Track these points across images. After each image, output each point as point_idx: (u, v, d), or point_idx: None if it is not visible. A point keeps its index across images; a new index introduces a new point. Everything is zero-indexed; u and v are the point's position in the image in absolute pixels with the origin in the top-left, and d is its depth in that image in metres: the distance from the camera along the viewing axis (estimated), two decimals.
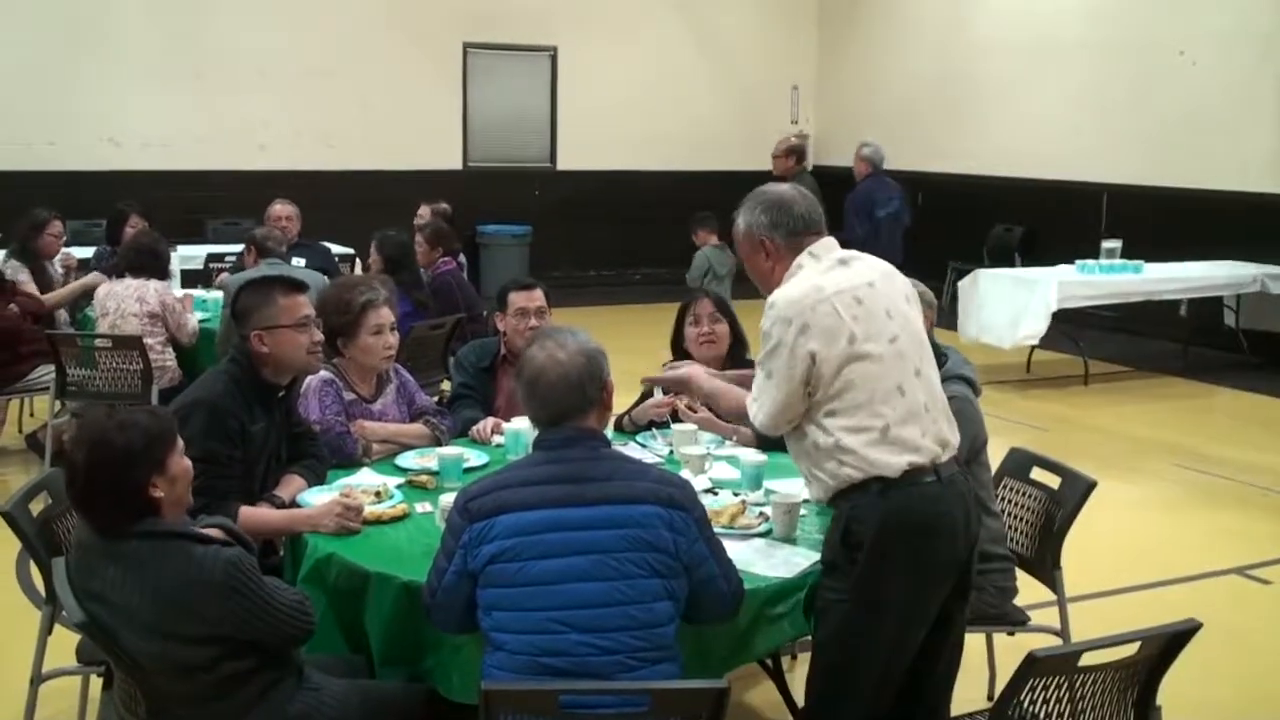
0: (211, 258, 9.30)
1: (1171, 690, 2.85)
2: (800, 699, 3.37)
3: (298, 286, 3.92)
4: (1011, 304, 9.54)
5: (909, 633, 3.10)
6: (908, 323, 3.15)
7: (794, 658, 4.37)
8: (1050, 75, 12.45)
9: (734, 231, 3.32)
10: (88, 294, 7.30)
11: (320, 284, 6.81)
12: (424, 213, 8.87)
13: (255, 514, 3.56)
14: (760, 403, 3.15)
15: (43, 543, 3.50)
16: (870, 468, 3.03)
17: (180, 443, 2.94)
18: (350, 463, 4.08)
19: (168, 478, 2.86)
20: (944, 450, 3.12)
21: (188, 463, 2.95)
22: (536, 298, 4.84)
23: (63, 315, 7.64)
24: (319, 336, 3.93)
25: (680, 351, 4.70)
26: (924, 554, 3.05)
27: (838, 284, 3.09)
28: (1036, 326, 9.35)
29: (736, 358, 4.64)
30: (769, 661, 4.01)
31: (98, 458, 2.80)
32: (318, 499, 3.65)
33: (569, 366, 2.91)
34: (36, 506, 3.63)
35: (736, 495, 3.75)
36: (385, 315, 4.34)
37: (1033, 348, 9.96)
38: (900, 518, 3.02)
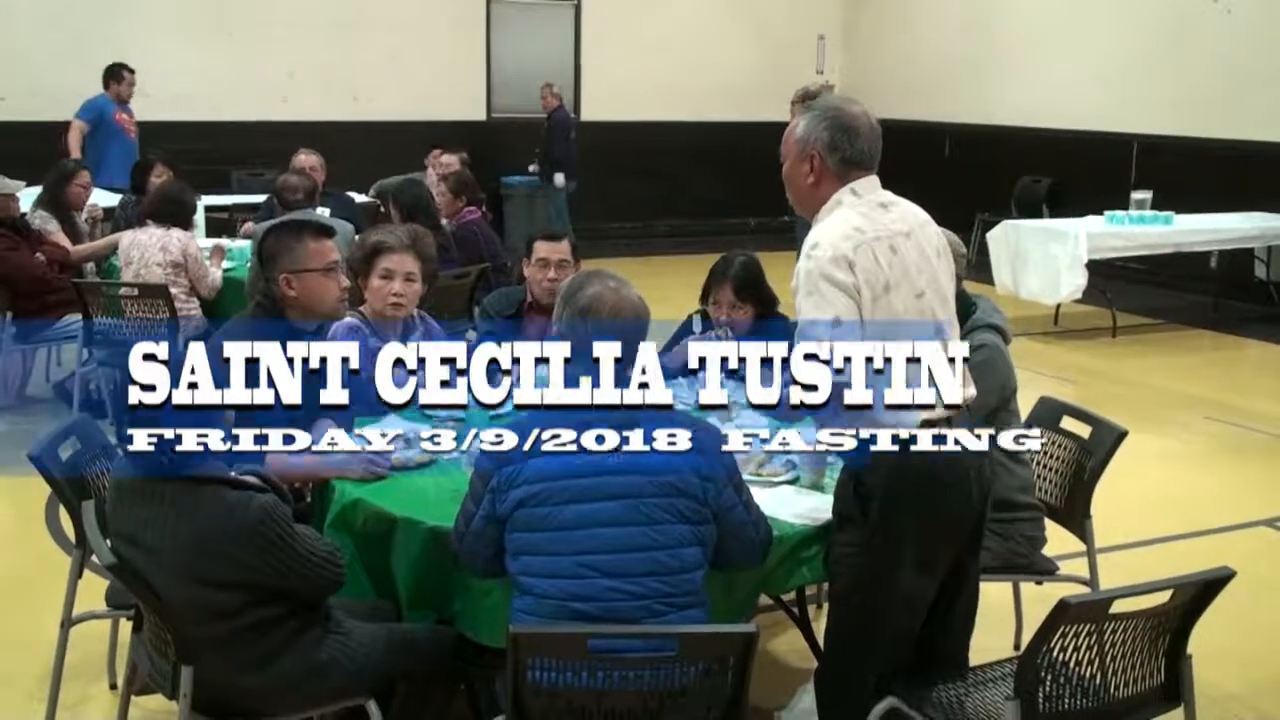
0: (237, 208, 9.32)
1: (1199, 640, 2.83)
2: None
3: (326, 231, 3.91)
4: (1046, 257, 9.48)
5: (922, 582, 3.08)
6: (935, 279, 3.09)
7: (820, 606, 4.36)
8: (1081, 24, 12.28)
9: (788, 131, 3.16)
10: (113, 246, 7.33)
11: (347, 232, 6.82)
12: (448, 161, 8.82)
13: (281, 459, 3.56)
14: None
15: (72, 488, 3.52)
16: (880, 425, 2.95)
17: None
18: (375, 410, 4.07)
19: (225, 420, 2.87)
20: (961, 405, 3.07)
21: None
22: (561, 249, 4.78)
23: (88, 264, 7.66)
24: (346, 283, 3.92)
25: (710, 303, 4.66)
26: (936, 502, 3.02)
27: (876, 229, 3.01)
28: (1078, 281, 9.28)
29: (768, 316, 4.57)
30: (795, 609, 4.02)
31: None
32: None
33: (641, 308, 2.90)
34: (65, 453, 3.64)
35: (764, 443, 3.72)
36: (398, 261, 4.26)
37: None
38: (911, 467, 2.97)
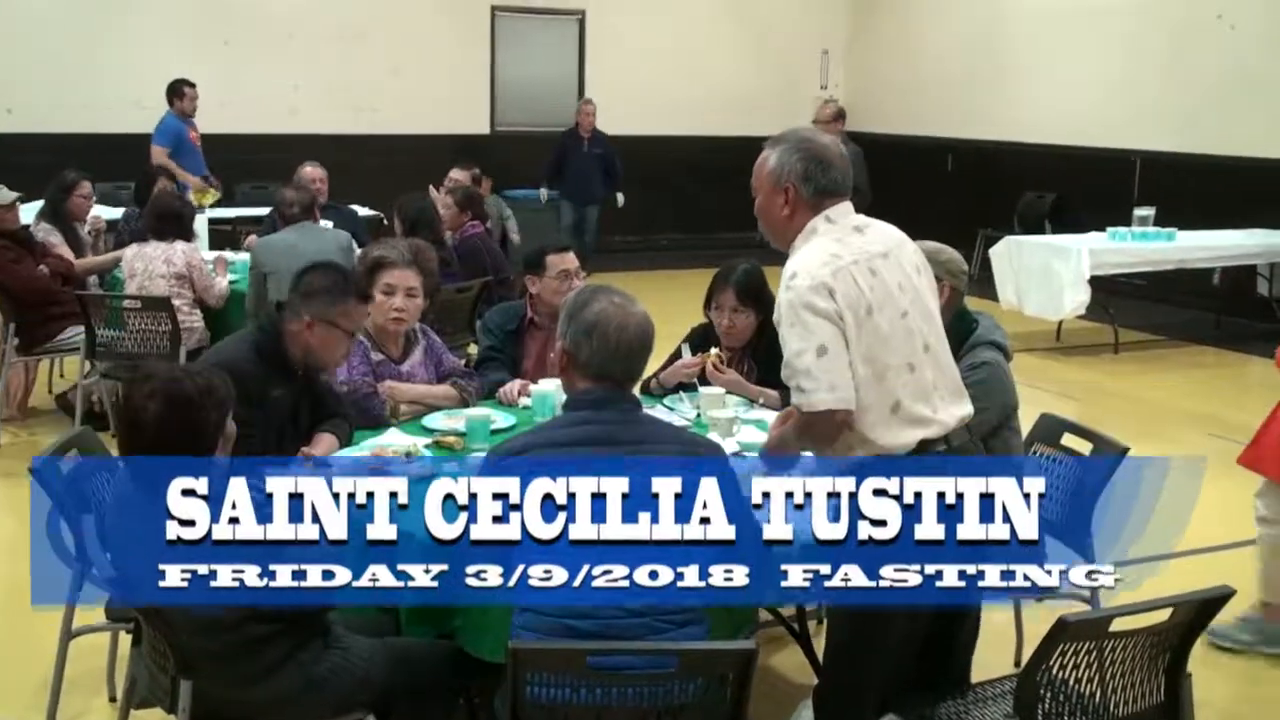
0: (240, 220, 9.34)
1: (1199, 658, 2.82)
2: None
3: (366, 299, 4.03)
4: (1049, 273, 9.49)
5: None
6: (918, 296, 3.09)
7: (820, 622, 4.36)
8: (1084, 40, 12.30)
9: (759, 164, 3.15)
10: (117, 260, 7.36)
11: (345, 243, 6.84)
12: (458, 176, 8.84)
13: None
14: (825, 380, 2.88)
15: (73, 500, 3.51)
16: (876, 448, 2.96)
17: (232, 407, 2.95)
18: (377, 423, 4.09)
19: (226, 438, 2.88)
20: (958, 423, 3.06)
21: (234, 426, 2.96)
22: (573, 259, 4.86)
23: (91, 277, 7.68)
24: (352, 347, 3.98)
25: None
26: None
27: (854, 253, 3.00)
28: (1081, 296, 9.29)
29: (767, 331, 4.57)
30: (795, 625, 4.02)
31: (174, 411, 2.79)
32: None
33: (646, 325, 2.88)
34: (66, 465, 3.63)
35: None
36: (399, 277, 4.33)
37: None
38: None
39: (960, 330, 3.82)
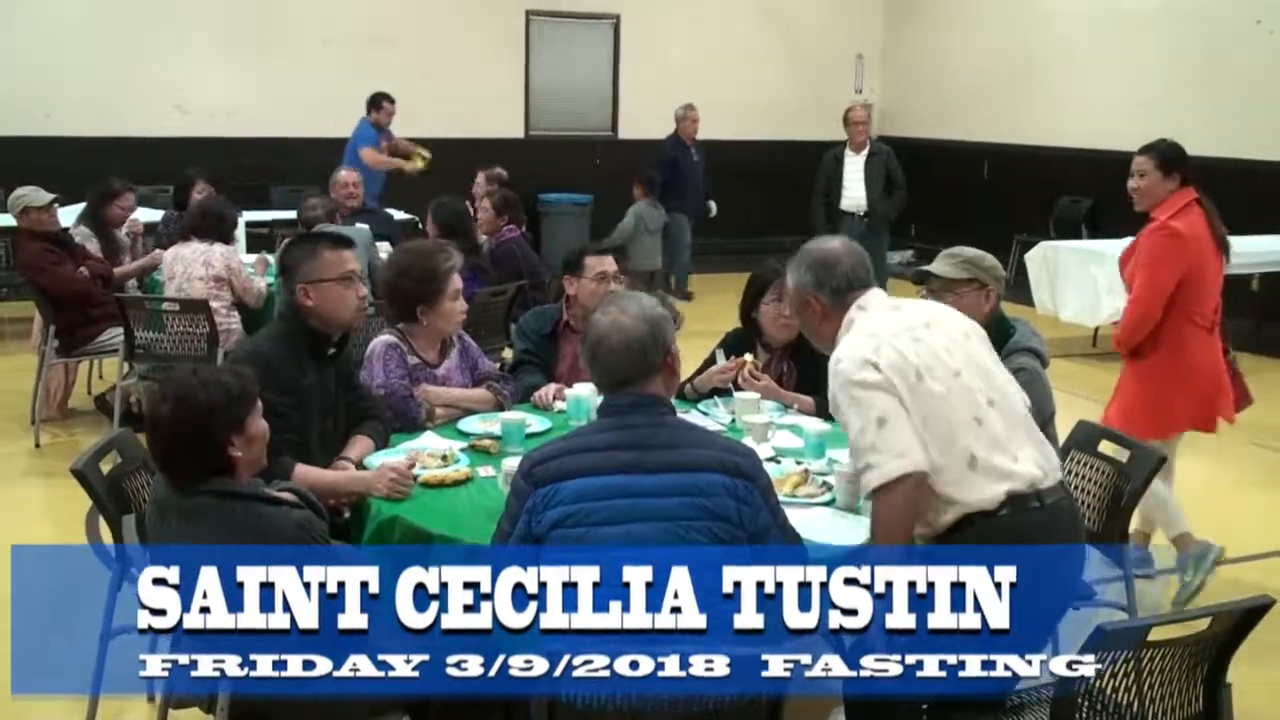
0: (277, 224, 9.42)
1: (1241, 669, 2.80)
2: None
3: (343, 242, 4.00)
4: (1085, 279, 9.43)
5: None
6: (970, 357, 3.11)
7: None
8: (1121, 44, 12.22)
9: (785, 289, 3.44)
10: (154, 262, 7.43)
11: (366, 240, 6.88)
12: (482, 180, 8.88)
13: (309, 472, 3.58)
14: (892, 449, 2.91)
15: (112, 501, 3.56)
16: (965, 507, 2.96)
17: (260, 405, 2.97)
18: (413, 427, 4.11)
19: (246, 438, 2.90)
20: (1045, 476, 3.05)
21: (265, 425, 2.98)
22: (611, 263, 4.87)
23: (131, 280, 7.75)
24: (364, 292, 3.98)
25: (749, 321, 4.67)
26: None
27: (893, 328, 3.07)
28: (1118, 302, 9.20)
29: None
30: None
31: (181, 413, 2.84)
32: (383, 462, 3.68)
33: (631, 332, 2.90)
34: (106, 466, 3.68)
35: (799, 464, 3.73)
36: (458, 280, 4.39)
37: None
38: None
39: (997, 336, 3.81)
